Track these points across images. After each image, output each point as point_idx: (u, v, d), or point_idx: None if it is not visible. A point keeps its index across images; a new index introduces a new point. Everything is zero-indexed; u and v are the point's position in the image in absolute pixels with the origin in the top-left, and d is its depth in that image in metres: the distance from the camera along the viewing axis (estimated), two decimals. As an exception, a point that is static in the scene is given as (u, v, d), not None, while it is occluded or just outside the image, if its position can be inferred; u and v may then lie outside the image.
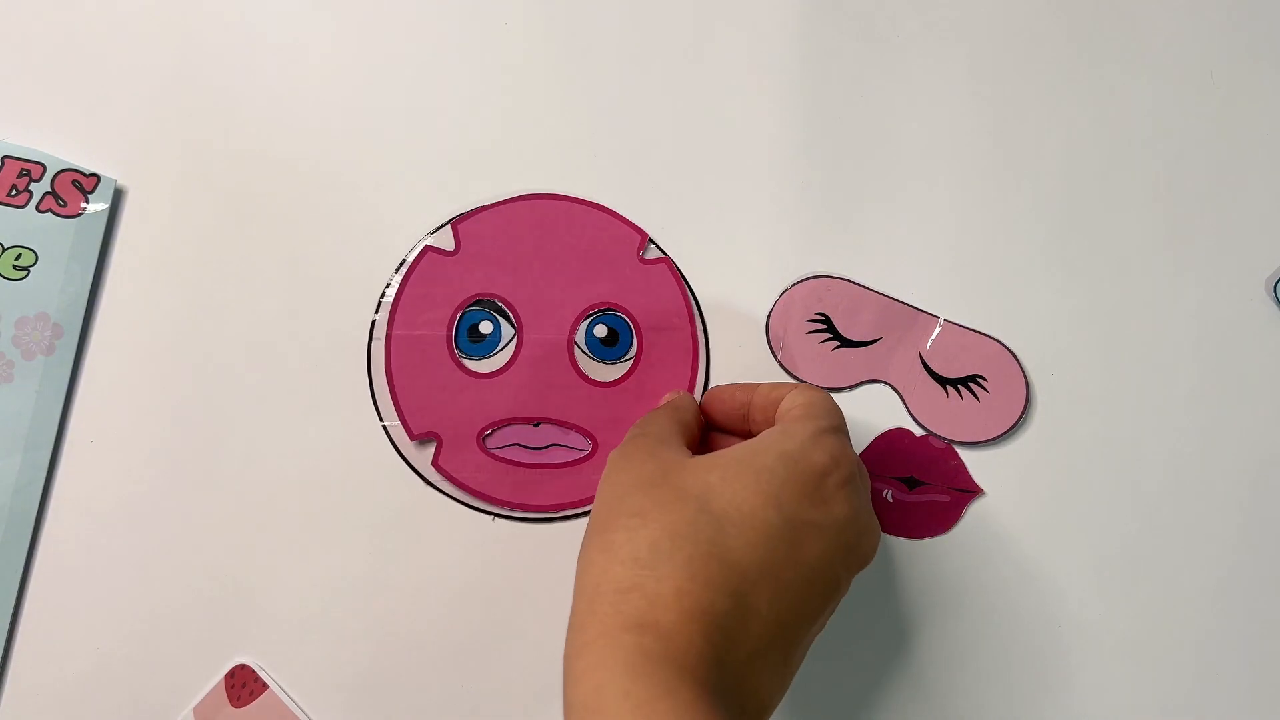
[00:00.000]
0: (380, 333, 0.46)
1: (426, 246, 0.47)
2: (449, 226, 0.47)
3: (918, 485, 0.47)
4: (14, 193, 0.46)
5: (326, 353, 0.47)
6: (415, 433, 0.46)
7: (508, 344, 0.47)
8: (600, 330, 0.47)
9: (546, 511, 0.46)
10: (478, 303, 0.47)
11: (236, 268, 0.47)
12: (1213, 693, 0.47)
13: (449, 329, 0.46)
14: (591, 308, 0.47)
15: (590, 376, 0.47)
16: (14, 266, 0.45)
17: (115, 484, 0.45)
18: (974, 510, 0.47)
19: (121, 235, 0.47)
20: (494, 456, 0.46)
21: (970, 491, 0.47)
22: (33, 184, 0.46)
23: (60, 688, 0.44)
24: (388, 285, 0.47)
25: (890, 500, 0.47)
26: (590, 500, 0.46)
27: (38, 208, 0.46)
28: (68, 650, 0.44)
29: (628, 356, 0.47)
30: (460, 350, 0.46)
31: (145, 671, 0.44)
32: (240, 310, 0.47)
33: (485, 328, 0.46)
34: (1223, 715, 0.47)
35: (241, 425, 0.46)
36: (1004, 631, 0.47)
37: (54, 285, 0.45)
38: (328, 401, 0.46)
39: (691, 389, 0.47)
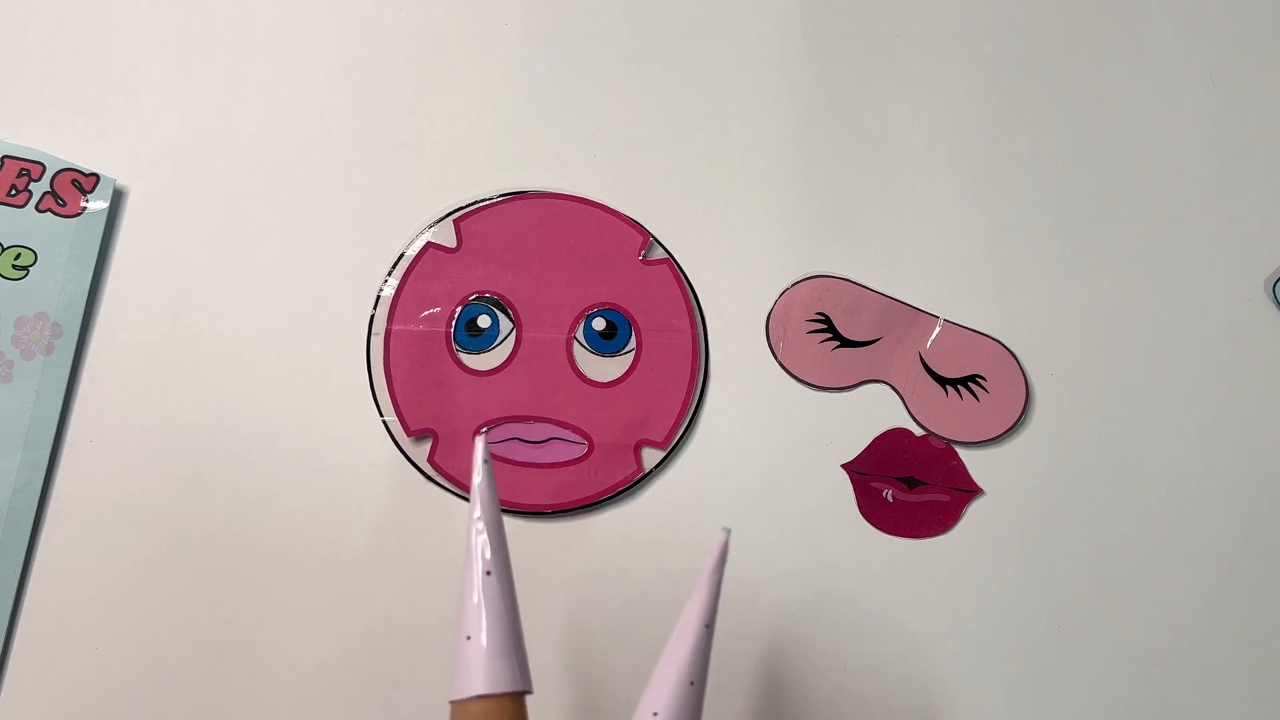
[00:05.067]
0: (380, 327, 0.46)
1: (428, 243, 0.47)
2: (451, 223, 0.47)
3: (918, 485, 0.47)
4: (13, 192, 0.46)
5: (326, 350, 0.47)
6: (412, 429, 0.46)
7: (505, 339, 0.47)
8: (599, 323, 0.47)
9: (543, 510, 0.46)
10: (478, 299, 0.47)
11: (236, 267, 0.47)
12: (1212, 693, 0.47)
13: (448, 325, 0.47)
14: (592, 307, 0.47)
15: (588, 376, 0.47)
16: (13, 266, 0.45)
17: (115, 483, 0.45)
18: (974, 510, 0.47)
19: (121, 235, 0.47)
20: (491, 454, 0.46)
21: (970, 491, 0.47)
22: (32, 183, 0.46)
23: (58, 687, 0.44)
24: (385, 281, 0.47)
25: (890, 500, 0.47)
26: (586, 499, 0.46)
27: (37, 207, 0.46)
28: (66, 650, 0.44)
29: (626, 350, 0.47)
30: (459, 345, 0.46)
31: (143, 671, 0.44)
32: (240, 310, 0.47)
33: (483, 321, 0.46)
34: (1222, 715, 0.47)
35: (240, 424, 0.46)
36: (1004, 631, 0.47)
37: (53, 285, 0.45)
38: (327, 398, 0.46)
39: (690, 390, 0.47)
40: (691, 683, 0.34)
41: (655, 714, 0.34)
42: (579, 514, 0.46)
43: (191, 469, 0.46)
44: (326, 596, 0.45)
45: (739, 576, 0.46)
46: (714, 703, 0.46)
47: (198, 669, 0.45)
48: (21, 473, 0.44)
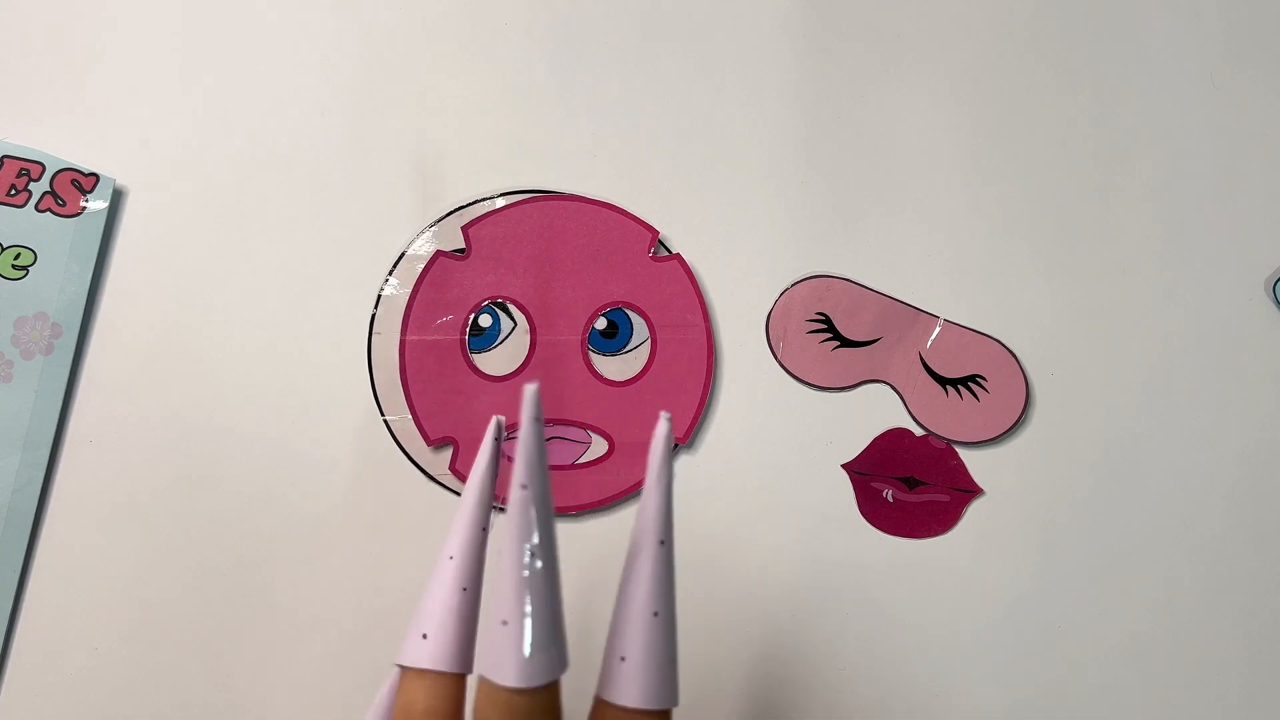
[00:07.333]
0: (388, 330, 0.46)
1: (438, 251, 0.47)
2: (459, 230, 0.47)
3: (918, 485, 0.47)
4: (13, 192, 0.46)
5: (326, 351, 0.47)
6: (432, 438, 0.46)
7: (507, 337, 0.47)
8: (600, 322, 0.47)
9: (565, 513, 0.46)
10: (490, 305, 0.47)
11: (236, 267, 0.47)
12: (1212, 693, 0.47)
13: (462, 333, 0.46)
14: (604, 307, 0.47)
15: (605, 376, 0.47)
16: (13, 266, 0.45)
17: (114, 484, 0.45)
18: (974, 510, 0.47)
19: (121, 235, 0.47)
20: (512, 459, 0.46)
21: (970, 491, 0.47)
22: (32, 183, 0.46)
23: (58, 687, 0.44)
24: (386, 280, 0.47)
25: (890, 500, 0.47)
26: (608, 500, 0.46)
27: (37, 207, 0.46)
28: (65, 649, 0.44)
29: (629, 348, 0.47)
30: (474, 351, 0.46)
31: (142, 671, 0.44)
32: (240, 309, 0.47)
33: (484, 320, 0.46)
34: (1223, 715, 0.47)
35: (241, 424, 0.46)
36: (1004, 631, 0.47)
37: (53, 285, 0.45)
38: (328, 398, 0.46)
39: (706, 386, 0.47)
40: (655, 614, 0.30)
41: (623, 659, 0.30)
42: (601, 513, 0.46)
43: (191, 469, 0.46)
44: (326, 596, 0.45)
45: (739, 576, 0.46)
46: (713, 703, 0.46)
47: (198, 669, 0.45)
48: (21, 473, 0.44)
